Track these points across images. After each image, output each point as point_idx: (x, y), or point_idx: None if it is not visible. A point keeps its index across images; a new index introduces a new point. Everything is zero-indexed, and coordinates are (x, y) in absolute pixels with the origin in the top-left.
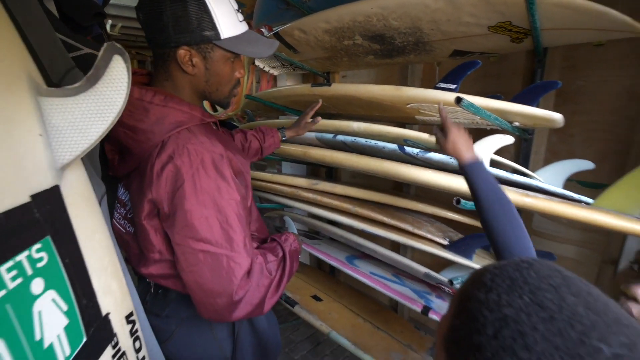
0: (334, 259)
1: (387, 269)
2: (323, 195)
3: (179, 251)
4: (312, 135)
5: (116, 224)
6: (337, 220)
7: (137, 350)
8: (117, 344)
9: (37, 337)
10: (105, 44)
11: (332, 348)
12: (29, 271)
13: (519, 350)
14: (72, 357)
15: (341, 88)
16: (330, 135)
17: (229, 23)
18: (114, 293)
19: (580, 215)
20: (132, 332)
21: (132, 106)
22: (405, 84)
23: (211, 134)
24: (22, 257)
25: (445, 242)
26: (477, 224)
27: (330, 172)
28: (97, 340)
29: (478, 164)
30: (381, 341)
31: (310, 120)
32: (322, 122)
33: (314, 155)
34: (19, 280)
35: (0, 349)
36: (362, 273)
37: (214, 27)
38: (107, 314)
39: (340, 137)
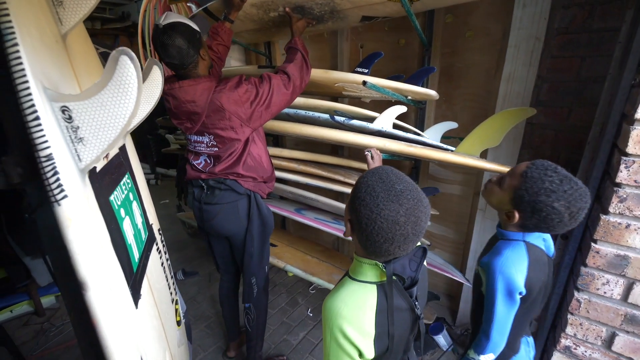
0: (285, 210)
1: (327, 215)
2: (272, 158)
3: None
4: None
5: (199, 152)
6: (286, 178)
7: (165, 253)
8: (157, 244)
9: (136, 222)
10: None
11: (287, 287)
12: (127, 187)
13: (373, 193)
14: (145, 241)
15: None
16: None
17: (194, 23)
18: (152, 214)
19: (442, 157)
20: (162, 241)
21: (188, 91)
22: (335, 63)
23: (226, 79)
24: (124, 179)
25: None
26: None
27: (277, 141)
28: (151, 237)
29: None
30: (325, 269)
31: None
32: None
33: (264, 125)
34: (126, 191)
35: (129, 221)
36: (309, 218)
37: (196, 31)
38: (152, 224)
39: (285, 110)
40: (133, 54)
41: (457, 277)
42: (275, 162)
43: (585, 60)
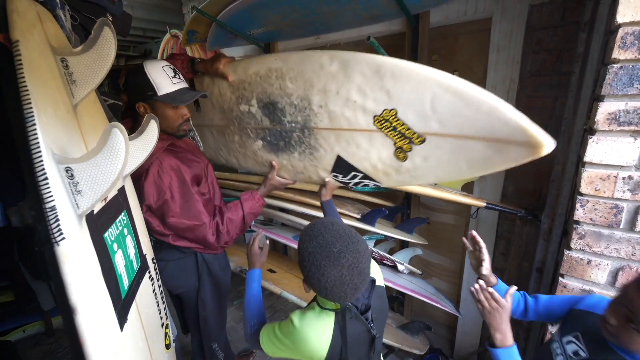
0: (283, 237)
1: None
2: None
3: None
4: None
5: None
6: (283, 206)
7: (157, 280)
8: (150, 272)
9: (128, 253)
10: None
11: (286, 314)
12: (122, 224)
13: (315, 263)
14: (137, 270)
15: None
16: None
17: (164, 85)
18: (146, 244)
19: (419, 191)
20: (155, 269)
21: None
22: None
23: (172, 156)
24: (120, 217)
25: (358, 216)
26: (380, 201)
27: None
28: (144, 266)
29: (329, 201)
30: None
31: None
32: None
33: None
34: (120, 227)
35: (121, 254)
36: None
37: (152, 88)
38: (145, 254)
39: None
40: (122, 127)
41: (447, 307)
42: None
43: (558, 100)
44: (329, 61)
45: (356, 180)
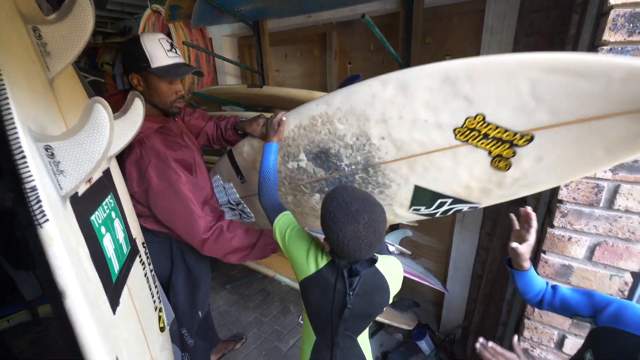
0: None
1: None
2: None
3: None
4: None
5: None
6: None
7: (149, 264)
8: (140, 256)
9: (117, 237)
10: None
11: (280, 296)
12: (109, 207)
13: (334, 219)
14: (127, 254)
15: (270, 89)
16: None
17: (158, 57)
18: (135, 228)
19: None
20: (146, 253)
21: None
22: (324, 80)
23: (158, 137)
24: (106, 200)
25: None
26: None
27: None
28: (134, 250)
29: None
30: None
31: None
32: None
33: None
34: (108, 210)
35: (110, 237)
36: None
37: (146, 60)
38: (135, 238)
39: None
40: (105, 102)
41: (435, 285)
42: None
43: None
44: (381, 87)
45: (445, 207)
